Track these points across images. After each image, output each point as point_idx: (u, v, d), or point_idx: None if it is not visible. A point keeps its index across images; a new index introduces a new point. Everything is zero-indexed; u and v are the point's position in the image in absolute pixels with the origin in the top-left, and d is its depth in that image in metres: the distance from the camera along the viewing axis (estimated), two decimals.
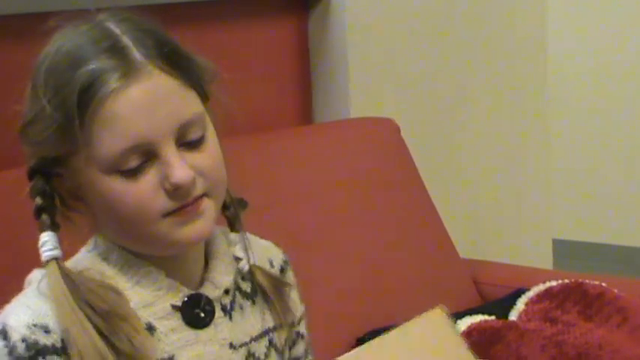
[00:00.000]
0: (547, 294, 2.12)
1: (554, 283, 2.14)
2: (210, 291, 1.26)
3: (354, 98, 2.55)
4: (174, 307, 1.23)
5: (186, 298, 1.24)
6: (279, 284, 1.35)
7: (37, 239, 1.79)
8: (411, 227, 2.29)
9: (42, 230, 1.21)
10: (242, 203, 1.35)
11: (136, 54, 1.17)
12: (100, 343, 1.15)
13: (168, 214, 1.17)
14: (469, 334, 1.97)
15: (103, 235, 1.24)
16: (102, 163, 1.16)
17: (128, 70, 1.15)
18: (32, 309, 1.17)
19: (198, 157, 1.19)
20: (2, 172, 1.82)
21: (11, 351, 1.15)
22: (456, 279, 2.33)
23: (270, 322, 1.32)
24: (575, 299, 2.09)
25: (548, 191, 3.19)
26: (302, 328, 1.40)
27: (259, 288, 1.32)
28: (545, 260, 3.15)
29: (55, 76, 1.17)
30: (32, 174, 1.22)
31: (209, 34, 2.33)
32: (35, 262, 1.80)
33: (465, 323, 2.01)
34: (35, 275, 1.22)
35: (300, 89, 2.59)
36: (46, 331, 1.16)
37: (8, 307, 1.19)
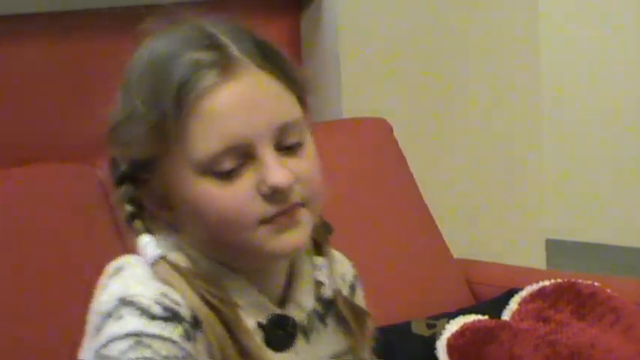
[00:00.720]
0: (540, 294, 2.12)
1: (547, 283, 2.14)
2: (296, 312, 1.19)
3: (346, 98, 2.55)
4: (259, 324, 1.16)
5: (271, 317, 1.17)
6: (360, 314, 1.28)
7: (34, 238, 1.79)
8: (404, 227, 2.29)
9: (138, 234, 1.15)
10: (327, 227, 1.29)
11: (235, 51, 1.12)
12: (227, 336, 1.10)
13: (264, 221, 1.11)
14: (462, 334, 1.97)
15: (190, 244, 1.16)
16: (196, 164, 1.10)
17: (227, 66, 1.11)
18: (153, 286, 1.10)
19: (296, 163, 1.14)
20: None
21: (144, 311, 1.07)
22: (449, 279, 2.33)
23: (342, 345, 1.26)
24: (568, 299, 2.09)
25: (541, 191, 3.19)
26: (367, 355, 1.31)
27: (339, 316, 1.26)
28: (538, 260, 3.15)
29: (150, 74, 1.13)
30: (121, 180, 1.16)
31: None
32: (34, 259, 1.80)
33: (457, 323, 2.01)
34: (124, 261, 1.15)
35: None
36: (177, 303, 1.09)
37: (112, 287, 1.11)
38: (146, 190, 1.15)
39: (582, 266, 4.42)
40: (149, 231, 1.15)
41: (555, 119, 4.63)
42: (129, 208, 1.16)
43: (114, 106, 1.16)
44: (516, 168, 3.07)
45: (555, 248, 3.98)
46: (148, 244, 1.14)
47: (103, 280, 1.15)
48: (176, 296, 1.09)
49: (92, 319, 1.12)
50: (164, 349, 1.06)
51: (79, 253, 1.87)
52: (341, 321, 1.26)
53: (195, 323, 1.09)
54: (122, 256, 1.17)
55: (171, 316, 1.08)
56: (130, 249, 1.17)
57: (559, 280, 2.14)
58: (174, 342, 1.06)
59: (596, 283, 2.13)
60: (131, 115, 1.13)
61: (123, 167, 1.15)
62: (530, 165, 3.13)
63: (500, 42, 3.00)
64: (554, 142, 4.55)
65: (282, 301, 1.19)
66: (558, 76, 4.72)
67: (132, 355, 1.05)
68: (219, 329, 1.09)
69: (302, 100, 1.17)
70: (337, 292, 1.26)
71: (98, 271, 1.90)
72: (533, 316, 2.05)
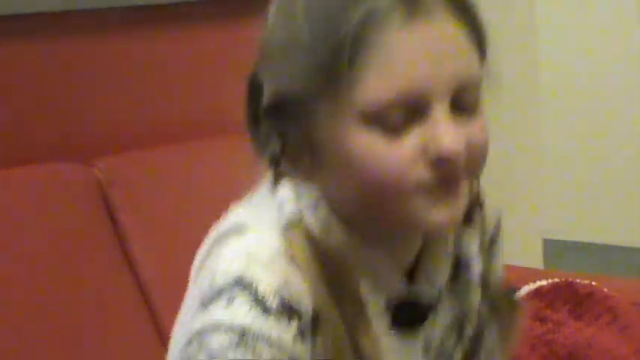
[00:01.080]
0: (537, 293, 2.12)
1: (544, 283, 2.15)
2: (426, 289, 1.07)
3: None
4: (388, 303, 1.05)
5: (401, 299, 1.05)
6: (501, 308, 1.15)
7: (34, 238, 1.79)
8: None
9: (277, 182, 1.02)
10: (480, 195, 1.15)
11: None
12: (347, 340, 0.99)
13: (423, 188, 0.98)
14: None
15: (327, 200, 1.01)
16: (362, 111, 0.96)
17: (417, 7, 0.97)
18: (278, 269, 0.97)
19: (469, 128, 1.02)
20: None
21: (259, 302, 0.95)
22: None
23: (457, 311, 1.13)
24: (565, 298, 2.09)
25: (539, 191, 3.19)
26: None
27: (461, 284, 1.12)
28: (535, 260, 3.16)
29: (323, 2, 0.98)
30: (268, 112, 1.02)
31: (198, 33, 2.33)
32: (34, 259, 1.81)
33: None
34: (247, 220, 1.02)
35: None
36: (299, 294, 0.97)
37: (232, 258, 0.98)
38: (290, 128, 1.01)
39: (579, 266, 4.43)
40: (289, 176, 1.02)
41: (554, 119, 4.64)
42: (277, 145, 1.01)
43: (267, 21, 1.04)
44: (514, 168, 3.08)
45: (552, 248, 3.98)
46: (286, 202, 1.01)
47: (214, 234, 1.04)
48: (299, 285, 0.97)
49: (202, 287, 1.00)
50: (268, 353, 0.95)
51: (78, 253, 1.88)
52: (455, 286, 1.12)
53: (315, 317, 0.98)
54: (242, 206, 1.05)
55: (288, 312, 0.96)
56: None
57: (556, 280, 2.15)
58: (280, 346, 0.96)
59: (593, 283, 2.14)
60: (294, 42, 0.99)
61: (270, 96, 1.01)
62: (528, 165, 3.13)
63: (499, 43, 3.00)
64: (552, 142, 4.55)
65: (412, 272, 1.07)
66: (558, 76, 4.72)
67: (231, 354, 0.95)
68: (340, 331, 0.99)
69: (483, 58, 1.07)
70: (487, 281, 1.12)
71: (97, 270, 1.91)
72: (531, 315, 2.06)
